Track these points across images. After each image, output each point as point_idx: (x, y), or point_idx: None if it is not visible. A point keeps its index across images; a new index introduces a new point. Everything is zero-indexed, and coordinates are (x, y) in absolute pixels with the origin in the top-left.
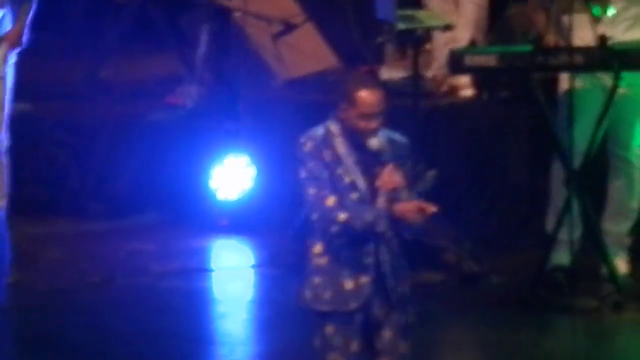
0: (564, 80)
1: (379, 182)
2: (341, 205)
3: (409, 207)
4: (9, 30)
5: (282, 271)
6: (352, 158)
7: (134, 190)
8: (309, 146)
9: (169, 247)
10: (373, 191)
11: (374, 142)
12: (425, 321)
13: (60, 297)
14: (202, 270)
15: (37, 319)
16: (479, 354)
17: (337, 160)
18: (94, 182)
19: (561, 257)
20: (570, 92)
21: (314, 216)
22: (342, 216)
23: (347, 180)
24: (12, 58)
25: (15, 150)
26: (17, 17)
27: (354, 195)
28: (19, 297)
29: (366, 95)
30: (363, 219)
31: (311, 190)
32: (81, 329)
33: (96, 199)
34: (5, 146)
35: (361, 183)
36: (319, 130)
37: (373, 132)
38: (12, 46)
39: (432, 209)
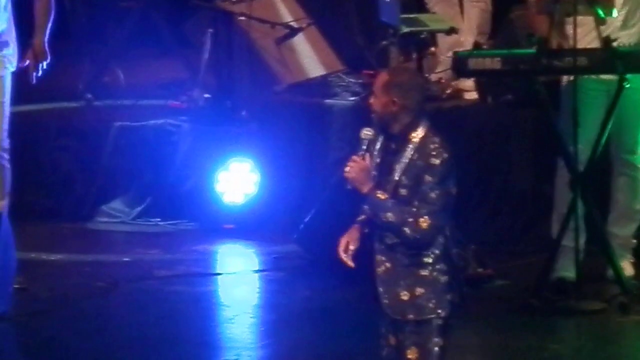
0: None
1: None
2: None
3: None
4: (31, 44)
5: (287, 275)
6: None
7: (138, 195)
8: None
9: (173, 252)
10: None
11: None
12: None
13: (65, 303)
14: (207, 275)
15: (42, 325)
16: (484, 357)
17: None
18: (98, 187)
19: (566, 263)
20: (574, 95)
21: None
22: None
23: None
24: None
25: (19, 156)
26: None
27: None
28: (23, 304)
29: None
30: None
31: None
32: (86, 335)
33: (100, 203)
34: (6, 147)
35: None
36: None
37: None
38: (38, 60)
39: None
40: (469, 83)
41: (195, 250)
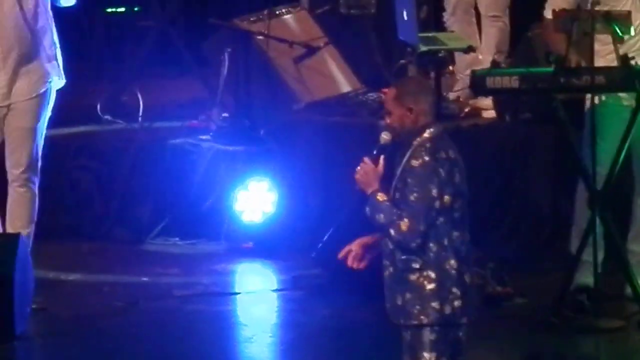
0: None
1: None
2: None
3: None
4: None
5: (306, 294)
6: None
7: (157, 215)
8: None
9: (192, 271)
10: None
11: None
12: None
13: (84, 323)
14: (226, 294)
15: (61, 345)
16: None
17: None
18: (117, 206)
19: (585, 278)
20: (593, 113)
21: None
22: None
23: None
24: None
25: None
26: None
27: None
28: (43, 323)
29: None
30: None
31: None
32: (105, 355)
33: (119, 223)
34: (37, 170)
35: None
36: None
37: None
38: None
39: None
40: (487, 101)
41: (214, 270)
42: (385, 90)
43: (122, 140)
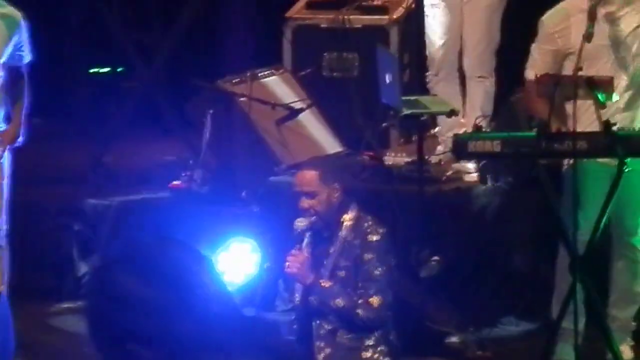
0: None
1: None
2: None
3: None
4: (5, 129)
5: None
6: None
7: None
8: None
9: None
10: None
11: (299, 222)
12: None
13: None
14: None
15: None
16: None
17: None
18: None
19: (566, 347)
20: (575, 178)
21: None
22: None
23: None
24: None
25: (19, 236)
26: (12, 115)
27: None
28: None
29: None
30: None
31: None
32: None
33: None
34: (4, 231)
35: None
36: None
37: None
38: (10, 143)
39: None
40: (469, 165)
41: None
42: (370, 153)
43: (104, 199)
